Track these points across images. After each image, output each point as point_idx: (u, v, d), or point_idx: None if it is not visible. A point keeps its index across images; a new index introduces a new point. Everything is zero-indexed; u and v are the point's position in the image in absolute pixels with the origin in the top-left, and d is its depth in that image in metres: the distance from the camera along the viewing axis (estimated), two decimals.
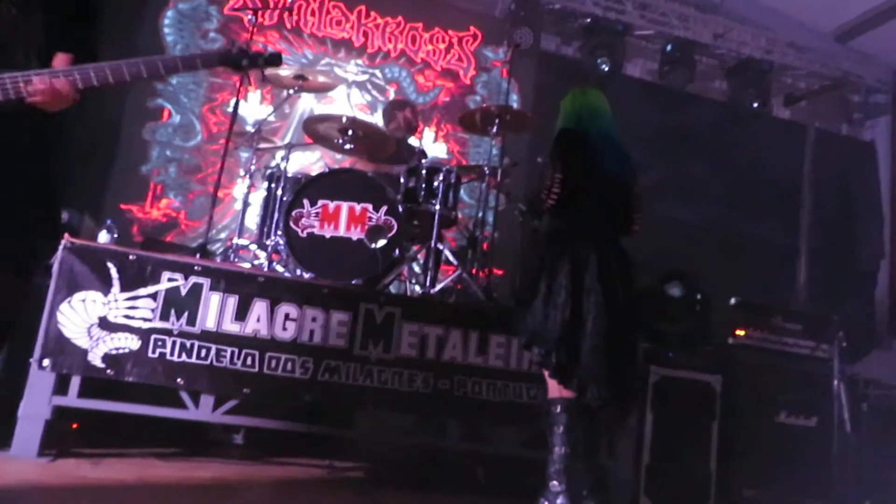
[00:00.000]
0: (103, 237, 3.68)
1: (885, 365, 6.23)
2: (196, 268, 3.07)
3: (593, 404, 2.61)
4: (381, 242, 3.63)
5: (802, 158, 7.19)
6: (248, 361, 3.02)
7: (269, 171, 4.23)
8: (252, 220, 4.50)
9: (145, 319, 2.98)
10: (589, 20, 6.64)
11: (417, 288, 4.08)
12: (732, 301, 3.92)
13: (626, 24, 6.68)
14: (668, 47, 6.80)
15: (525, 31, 6.05)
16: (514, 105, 6.25)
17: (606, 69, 6.49)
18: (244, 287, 3.08)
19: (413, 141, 4.99)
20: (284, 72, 4.16)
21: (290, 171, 4.21)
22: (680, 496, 3.38)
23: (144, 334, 2.97)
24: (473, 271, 4.28)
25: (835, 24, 7.11)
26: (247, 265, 3.98)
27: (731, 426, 3.53)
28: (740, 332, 3.84)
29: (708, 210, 6.10)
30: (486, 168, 4.24)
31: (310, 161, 5.64)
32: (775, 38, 7.08)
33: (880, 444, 3.72)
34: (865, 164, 7.22)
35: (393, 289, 4.28)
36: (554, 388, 2.67)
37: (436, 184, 3.97)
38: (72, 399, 2.91)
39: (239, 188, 5.15)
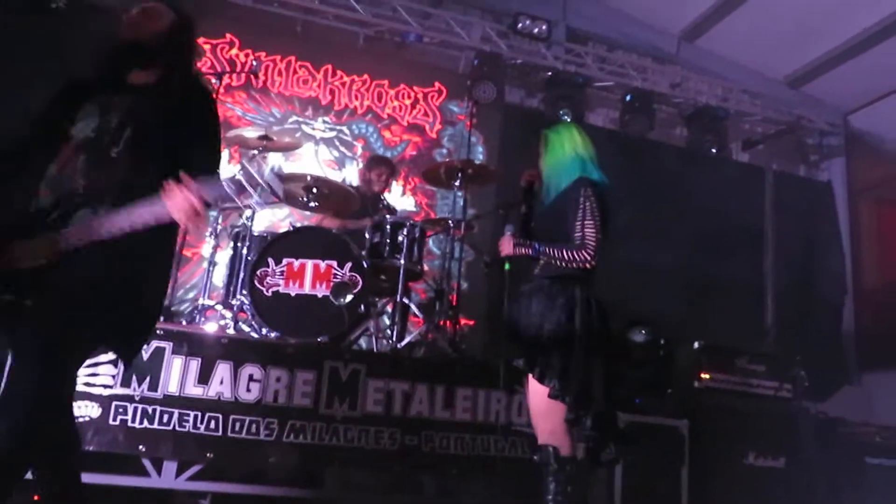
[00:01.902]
0: None
1: (855, 400, 6.33)
2: (158, 332, 3.05)
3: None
4: (347, 299, 3.65)
5: (763, 200, 7.38)
6: (212, 425, 2.99)
7: (235, 230, 4.25)
8: (220, 279, 4.50)
9: (106, 386, 2.95)
10: (550, 73, 6.86)
11: (385, 342, 4.09)
12: (696, 345, 3.98)
13: (585, 77, 6.90)
14: (628, 97, 7.02)
15: (488, 86, 6.22)
16: (481, 157, 6.40)
17: (569, 120, 6.67)
18: (207, 349, 3.07)
19: (382, 196, 5.06)
20: (249, 133, 4.24)
21: (258, 230, 4.24)
22: None
23: (105, 401, 2.93)
24: (442, 323, 4.31)
25: (786, 71, 7.41)
26: (213, 325, 3.96)
27: (701, 470, 3.55)
28: (705, 376, 3.90)
29: (673, 254, 6.20)
30: (450, 221, 4.31)
31: (278, 218, 5.68)
32: (730, 85, 7.35)
33: (847, 481, 3.75)
34: (824, 204, 7.43)
35: (363, 343, 4.29)
36: (566, 446, 2.48)
37: (400, 238, 4.02)
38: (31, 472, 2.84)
39: (206, 247, 5.16)
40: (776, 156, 7.74)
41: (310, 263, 3.67)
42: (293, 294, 3.64)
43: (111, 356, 2.98)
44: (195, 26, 2.13)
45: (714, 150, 7.12)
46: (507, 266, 2.69)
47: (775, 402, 3.93)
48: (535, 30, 6.57)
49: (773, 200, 7.39)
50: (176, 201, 1.73)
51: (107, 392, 2.94)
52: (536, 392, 2.50)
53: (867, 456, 3.90)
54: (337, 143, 6.23)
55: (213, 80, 4.92)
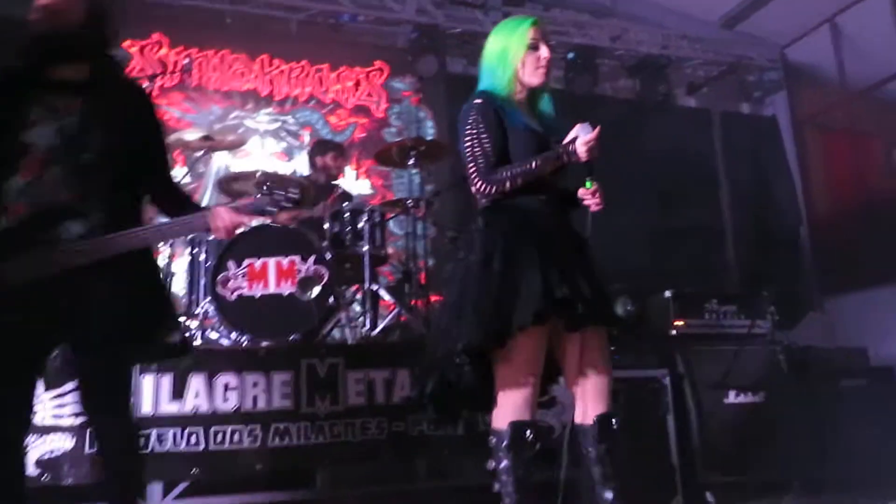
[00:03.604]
0: None
1: (820, 325, 6.51)
2: None
3: None
4: (315, 292, 3.57)
5: (713, 142, 7.49)
6: (193, 440, 2.91)
7: (189, 237, 4.11)
8: (180, 289, 4.37)
9: (76, 415, 2.84)
10: None
11: (359, 331, 4.03)
12: (667, 293, 4.02)
13: None
14: (570, 55, 6.98)
15: (429, 59, 6.10)
16: (431, 132, 6.31)
17: None
18: (177, 364, 2.97)
19: (337, 183, 4.97)
20: (190, 136, 4.08)
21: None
22: (648, 493, 3.41)
23: (78, 431, 2.83)
24: (413, 303, 4.27)
25: (720, 13, 7.46)
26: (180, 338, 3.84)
27: (686, 416, 3.61)
28: (679, 323, 3.94)
29: (633, 206, 6.22)
30: (408, 201, 4.25)
31: None
32: (669, 33, 7.36)
33: (825, 409, 3.85)
34: (771, 138, 7.55)
35: (337, 334, 4.22)
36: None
37: (360, 225, 3.95)
38: None
39: (161, 257, 4.99)
40: (720, 97, 7.83)
41: (272, 262, 3.58)
42: (258, 295, 3.55)
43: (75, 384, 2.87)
44: (112, 14, 1.99)
45: (660, 99, 7.16)
46: (588, 184, 2.20)
47: (749, 339, 4.00)
48: None
49: (722, 141, 7.50)
50: (221, 221, 1.88)
51: (78, 421, 2.83)
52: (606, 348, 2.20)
53: (840, 380, 4.00)
54: (283, 134, 6.08)
55: (146, 83, 4.71)
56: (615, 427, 2.15)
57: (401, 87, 6.48)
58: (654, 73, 7.19)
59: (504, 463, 2.09)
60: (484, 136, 2.14)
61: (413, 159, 4.19)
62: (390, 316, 4.14)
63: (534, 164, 2.13)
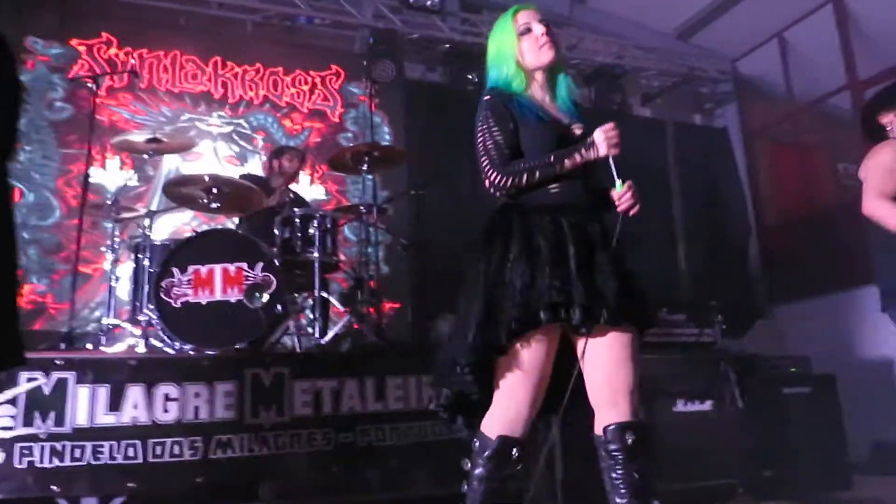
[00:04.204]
0: None
1: (769, 333, 6.65)
2: (57, 362, 2.83)
3: None
4: (263, 300, 3.49)
5: (666, 152, 7.62)
6: (130, 453, 2.81)
7: (134, 242, 4.00)
8: (125, 295, 4.24)
9: (6, 428, 2.72)
10: (448, 46, 6.77)
11: (310, 339, 3.96)
12: None
13: (483, 46, 6.81)
14: None
15: (386, 64, 6.06)
16: (388, 137, 6.27)
17: (473, 88, 6.59)
18: (114, 374, 2.88)
19: (291, 187, 4.90)
20: (136, 137, 3.97)
21: (161, 237, 4.00)
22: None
23: (7, 445, 2.70)
24: (366, 310, 4.22)
25: (674, 25, 7.61)
26: (123, 346, 3.72)
27: None
28: None
29: None
30: (362, 207, 4.20)
31: (182, 222, 5.38)
32: (624, 43, 7.47)
33: (770, 415, 3.93)
34: (722, 149, 7.71)
35: (287, 342, 4.14)
36: None
37: (311, 231, 3.88)
38: None
39: (107, 262, 4.84)
40: (674, 108, 7.98)
41: (218, 268, 3.48)
42: (204, 303, 3.45)
43: (8, 395, 2.76)
44: None
45: (615, 108, 7.25)
46: (619, 186, 2.08)
47: (697, 347, 4.06)
48: (428, 2, 6.44)
49: (674, 151, 7.63)
50: None
51: (8, 434, 2.72)
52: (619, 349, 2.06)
53: (784, 387, 4.09)
54: (236, 138, 5.96)
55: (92, 83, 4.58)
56: (630, 441, 1.94)
57: (357, 92, 6.42)
58: (610, 82, 7.28)
59: (479, 470, 2.02)
60: (495, 128, 2.07)
61: (367, 165, 4.15)
62: (342, 323, 4.09)
63: (551, 158, 2.04)
